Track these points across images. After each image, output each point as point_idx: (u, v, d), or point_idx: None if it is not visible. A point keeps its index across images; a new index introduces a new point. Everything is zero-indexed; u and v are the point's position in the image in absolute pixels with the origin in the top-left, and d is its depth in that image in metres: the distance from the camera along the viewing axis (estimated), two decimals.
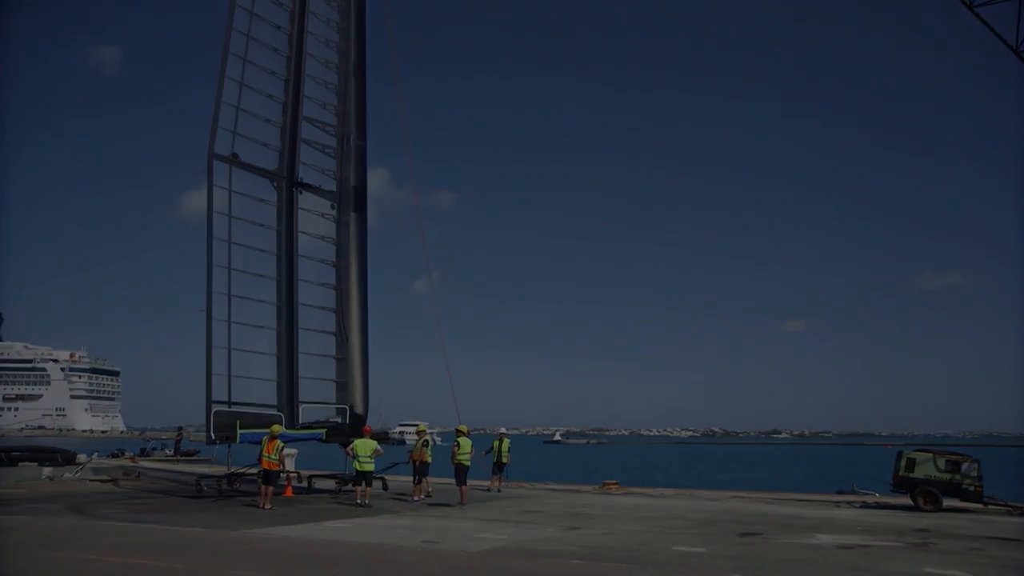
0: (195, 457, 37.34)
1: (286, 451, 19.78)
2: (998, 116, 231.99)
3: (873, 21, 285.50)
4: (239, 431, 19.69)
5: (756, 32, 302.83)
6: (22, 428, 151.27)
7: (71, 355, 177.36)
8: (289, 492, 20.71)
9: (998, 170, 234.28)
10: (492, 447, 23.05)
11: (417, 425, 23.02)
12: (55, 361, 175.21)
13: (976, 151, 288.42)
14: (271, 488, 17.87)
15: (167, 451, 41.92)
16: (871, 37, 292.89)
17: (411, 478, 21.05)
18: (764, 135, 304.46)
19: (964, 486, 19.34)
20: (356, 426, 21.88)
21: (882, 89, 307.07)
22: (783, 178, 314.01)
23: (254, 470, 18.85)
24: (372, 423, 21.77)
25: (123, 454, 40.42)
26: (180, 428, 45.67)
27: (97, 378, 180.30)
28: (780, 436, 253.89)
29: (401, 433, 73.43)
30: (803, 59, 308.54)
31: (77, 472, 25.37)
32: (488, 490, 22.77)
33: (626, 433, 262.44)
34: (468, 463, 20.05)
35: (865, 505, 21.45)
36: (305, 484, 22.28)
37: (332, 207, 24.05)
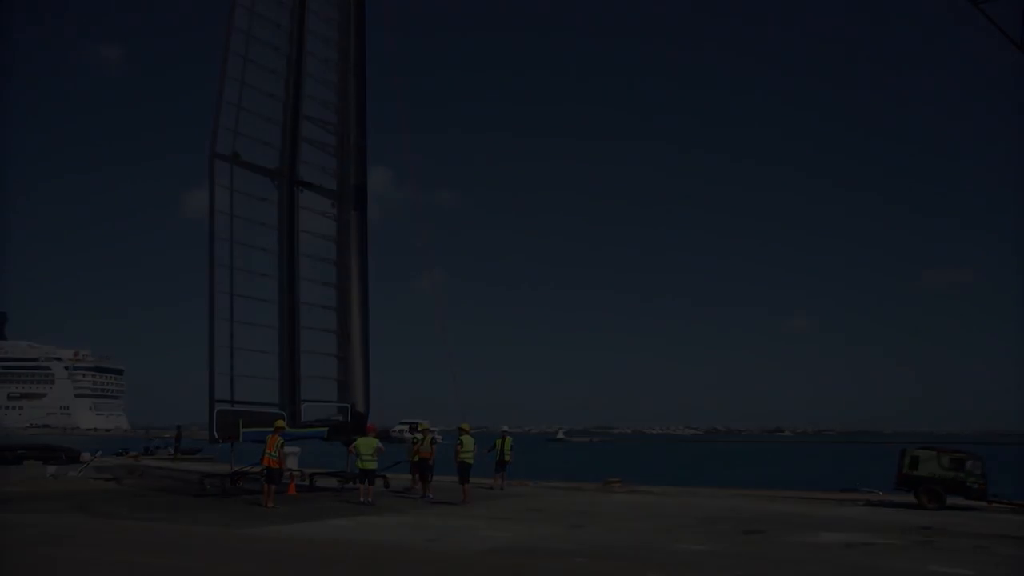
0: (196, 456, 37.37)
1: (288, 449, 19.78)
2: (1003, 111, 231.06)
3: (877, 18, 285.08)
4: (242, 430, 19.70)
5: (760, 25, 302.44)
6: (27, 426, 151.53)
7: (75, 354, 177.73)
8: (292, 490, 20.71)
9: (1003, 166, 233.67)
10: (495, 445, 23.04)
11: (419, 424, 23.00)
12: (59, 360, 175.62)
13: (981, 147, 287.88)
14: (274, 487, 17.87)
15: (170, 450, 41.96)
16: (876, 33, 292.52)
17: (412, 476, 21.09)
18: (770, 132, 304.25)
19: (968, 484, 19.30)
20: (358, 424, 21.89)
21: (887, 86, 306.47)
22: (788, 174, 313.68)
23: (257, 469, 18.86)
24: (373, 421, 21.77)
25: (127, 453, 40.49)
26: (179, 427, 45.69)
27: (101, 376, 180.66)
28: (783, 434, 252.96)
29: (401, 431, 73.49)
30: (809, 55, 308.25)
31: (81, 470, 25.43)
32: (491, 488, 22.77)
33: (629, 431, 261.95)
34: (471, 461, 20.07)
35: (869, 503, 21.42)
36: (307, 482, 22.29)
37: (333, 205, 24.00)
